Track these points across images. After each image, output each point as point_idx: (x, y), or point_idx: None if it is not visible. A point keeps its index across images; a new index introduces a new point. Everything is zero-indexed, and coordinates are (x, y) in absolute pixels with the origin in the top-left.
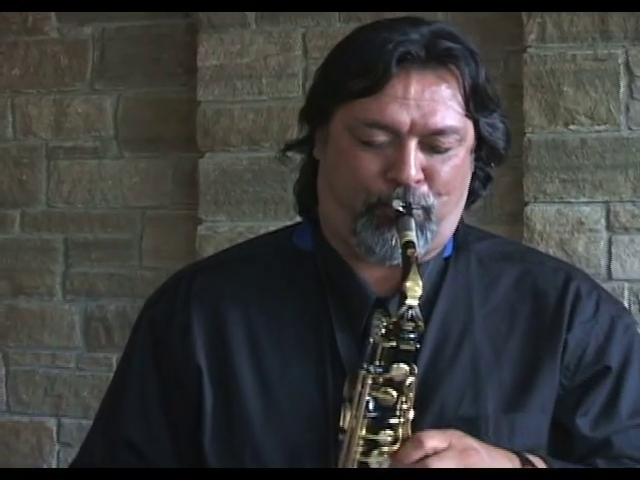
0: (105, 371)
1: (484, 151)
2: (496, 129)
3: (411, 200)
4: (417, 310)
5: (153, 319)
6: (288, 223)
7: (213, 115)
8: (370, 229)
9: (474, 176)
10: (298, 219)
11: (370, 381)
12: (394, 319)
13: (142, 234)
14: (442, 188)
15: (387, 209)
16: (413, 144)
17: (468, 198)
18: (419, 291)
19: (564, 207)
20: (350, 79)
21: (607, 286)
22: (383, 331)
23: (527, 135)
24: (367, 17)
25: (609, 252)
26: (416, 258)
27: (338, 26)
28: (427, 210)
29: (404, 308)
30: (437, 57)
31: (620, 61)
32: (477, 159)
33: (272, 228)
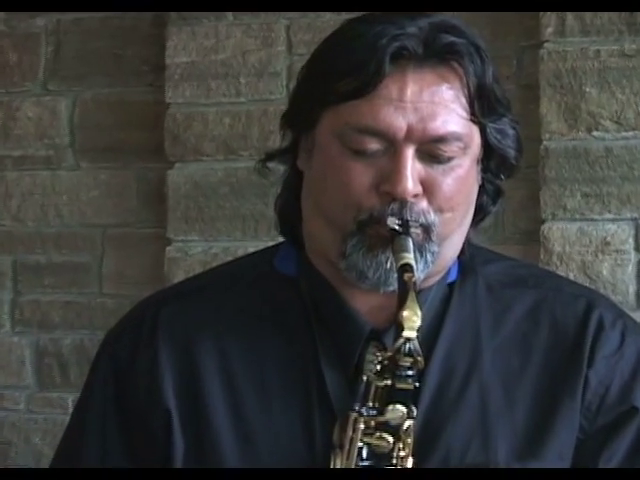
0: (60, 413)
1: (493, 161)
2: (506, 136)
3: (408, 217)
4: (416, 343)
5: (115, 355)
6: (270, 243)
7: (184, 120)
8: (362, 251)
9: (482, 190)
10: (281, 239)
11: (362, 425)
12: (389, 354)
13: (102, 256)
14: (444, 203)
15: (381, 228)
16: (410, 153)
17: (475, 215)
18: (418, 321)
19: (587, 225)
20: (338, 79)
21: (636, 316)
22: (377, 368)
23: (544, 142)
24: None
25: (638, 277)
26: (414, 283)
27: (327, 17)
28: (427, 228)
29: (401, 341)
30: (437, 53)
31: None
32: (485, 170)
33: (252, 249)
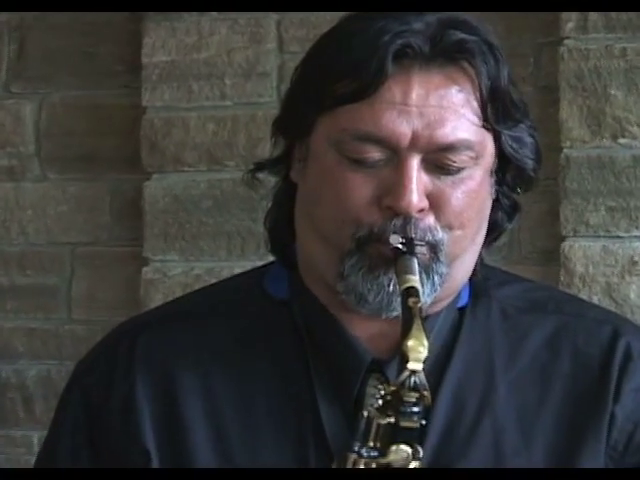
0: (24, 453)
1: (509, 173)
2: (523, 144)
3: (413, 234)
4: (422, 376)
5: (86, 389)
6: (259, 263)
7: (162, 126)
8: (361, 271)
9: (496, 204)
10: (271, 258)
11: (363, 467)
12: (393, 388)
13: (71, 278)
14: (454, 219)
15: (382, 246)
16: (415, 162)
17: (489, 232)
18: (424, 352)
19: (612, 243)
20: (336, 80)
21: None
22: (379, 403)
23: (565, 151)
24: None
25: None
26: (420, 309)
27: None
28: (434, 247)
29: (405, 374)
30: (446, 52)
31: None
32: (500, 183)
33: (239, 270)
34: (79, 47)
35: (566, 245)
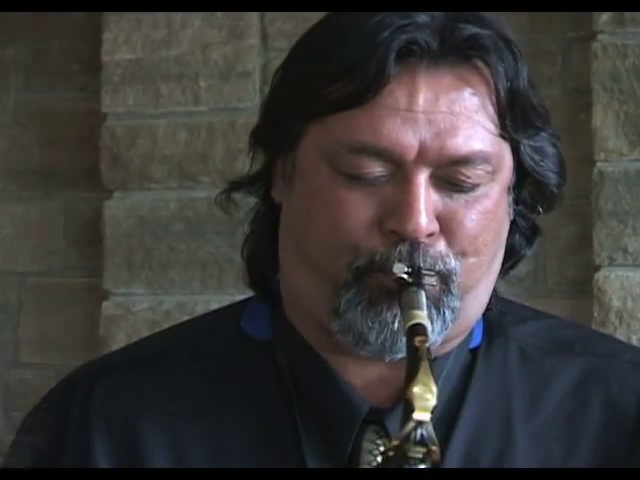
0: None
1: (527, 189)
2: (545, 156)
3: (421, 263)
4: (430, 428)
5: (33, 449)
6: (238, 297)
7: (125, 135)
8: (360, 307)
9: (513, 227)
10: (251, 292)
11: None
12: (395, 442)
13: (19, 314)
14: (468, 245)
15: (385, 277)
16: (423, 179)
17: (505, 259)
18: (432, 400)
19: None
20: (328, 84)
21: None
22: (378, 461)
23: (598, 165)
24: None
25: None
26: (428, 350)
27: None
28: (446, 278)
29: (410, 426)
30: (457, 49)
31: None
32: (517, 201)
33: (215, 305)
34: (28, 44)
35: (600, 275)
